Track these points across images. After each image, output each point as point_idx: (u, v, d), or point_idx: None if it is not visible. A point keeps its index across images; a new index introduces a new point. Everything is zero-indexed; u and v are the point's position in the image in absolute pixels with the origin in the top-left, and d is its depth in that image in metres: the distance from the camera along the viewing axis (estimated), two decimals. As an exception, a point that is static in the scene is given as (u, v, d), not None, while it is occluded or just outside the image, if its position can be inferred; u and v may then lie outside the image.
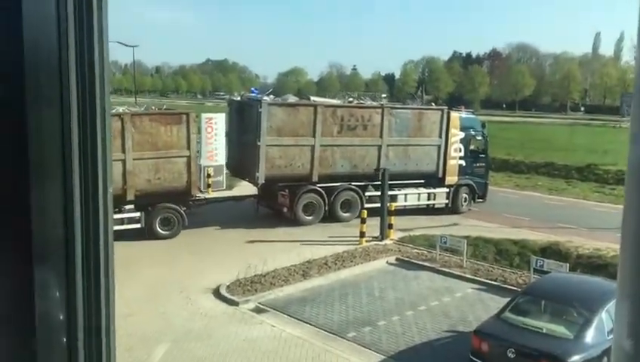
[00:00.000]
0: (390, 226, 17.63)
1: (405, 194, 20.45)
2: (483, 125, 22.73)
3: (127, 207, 16.66)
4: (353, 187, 19.59)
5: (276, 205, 19.14)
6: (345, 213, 19.36)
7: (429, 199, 21.05)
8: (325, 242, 16.94)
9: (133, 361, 9.50)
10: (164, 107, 21.17)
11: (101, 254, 1.01)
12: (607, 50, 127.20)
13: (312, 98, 22.29)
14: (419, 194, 20.83)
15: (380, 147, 19.82)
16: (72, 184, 0.94)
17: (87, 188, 0.98)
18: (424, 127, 20.75)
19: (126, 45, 45.57)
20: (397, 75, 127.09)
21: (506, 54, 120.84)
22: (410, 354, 10.26)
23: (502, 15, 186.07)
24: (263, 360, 9.89)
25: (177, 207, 17.38)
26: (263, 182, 18.50)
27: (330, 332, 11.07)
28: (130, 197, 16.56)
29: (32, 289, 0.88)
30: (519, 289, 11.74)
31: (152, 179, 16.88)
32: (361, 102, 22.51)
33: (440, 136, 20.97)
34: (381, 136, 19.82)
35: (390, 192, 18.83)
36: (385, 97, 51.95)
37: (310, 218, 19.09)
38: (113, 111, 17.37)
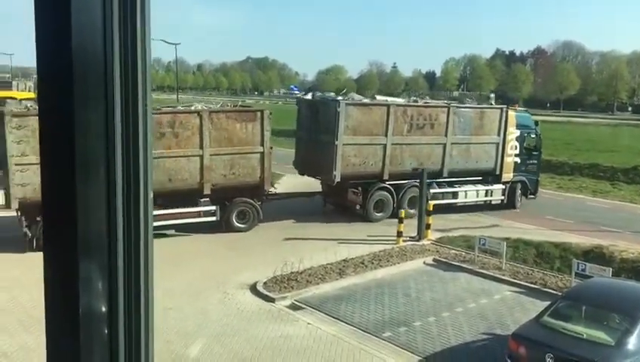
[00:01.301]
0: (428, 226, 17.49)
1: (466, 191, 21.11)
2: (536, 123, 23.45)
3: (203, 200, 17.28)
4: (419, 184, 19.63)
5: (345, 202, 19.52)
6: (411, 209, 19.45)
7: (486, 195, 21.64)
8: (362, 241, 16.92)
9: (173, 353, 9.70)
10: (239, 104, 21.82)
11: (141, 249, 1.05)
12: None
13: (378, 97, 22.84)
14: (477, 190, 21.44)
15: (444, 145, 20.47)
16: (114, 181, 0.98)
17: (129, 185, 1.01)
18: (485, 126, 21.41)
19: (169, 43, 46.34)
20: (438, 73, 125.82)
21: (551, 52, 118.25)
22: (445, 356, 10.17)
23: (548, 12, 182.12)
24: (298, 357, 9.95)
25: (253, 201, 17.98)
26: (339, 180, 18.89)
27: (366, 332, 11.06)
28: (206, 191, 17.17)
29: (76, 281, 0.92)
30: (559, 293, 11.49)
31: (227, 174, 17.44)
32: (427, 101, 23.45)
33: (498, 134, 21.59)
34: (446, 135, 20.44)
35: (451, 189, 20.48)
36: (427, 96, 51.65)
37: (380, 214, 19.66)
38: (192, 107, 18.33)
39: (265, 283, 13.24)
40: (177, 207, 16.76)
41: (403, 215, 17.11)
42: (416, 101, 22.37)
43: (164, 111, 17.61)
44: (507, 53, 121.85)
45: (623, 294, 10.06)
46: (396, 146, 19.63)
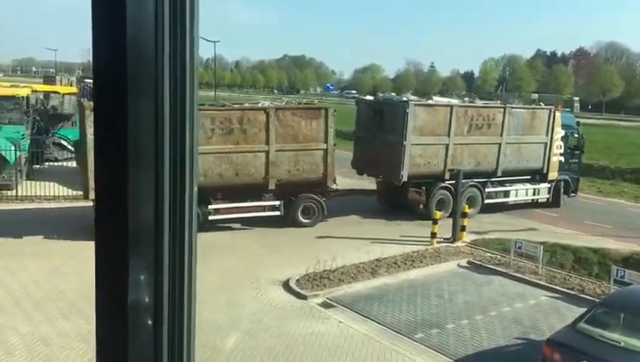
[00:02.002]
0: (463, 228, 17.31)
1: (517, 190, 21.65)
2: (578, 123, 24.23)
3: (268, 195, 17.78)
4: (476, 184, 20.50)
5: (405, 201, 19.70)
6: (468, 208, 19.64)
7: (534, 194, 22.20)
8: (395, 241, 16.84)
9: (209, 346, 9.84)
10: (304, 102, 22.33)
11: (185, 242, 1.08)
12: None
13: (435, 98, 23.22)
14: (526, 189, 21.99)
15: (499, 145, 20.87)
16: (162, 173, 1.01)
17: (176, 177, 1.04)
18: (535, 126, 21.94)
19: (208, 40, 46.91)
20: (476, 73, 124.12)
21: (593, 53, 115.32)
22: (478, 360, 10.06)
23: (591, 12, 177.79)
24: (329, 354, 9.98)
25: (318, 197, 18.37)
26: (406, 180, 19.20)
27: (397, 332, 11.03)
28: (271, 186, 17.61)
29: (126, 271, 0.96)
30: (597, 300, 11.24)
31: (291, 170, 17.84)
32: (487, 103, 24.18)
33: (547, 134, 22.14)
34: (501, 135, 20.85)
35: (504, 188, 21.22)
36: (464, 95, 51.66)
37: (441, 213, 19.43)
38: (259, 105, 18.88)
39: (297, 280, 13.32)
40: (243, 201, 17.32)
41: (438, 216, 16.97)
42: (472, 102, 22.99)
43: (233, 107, 18.20)
44: (548, 53, 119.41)
45: (664, 303, 9.76)
46: (457, 146, 20.04)
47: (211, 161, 16.67)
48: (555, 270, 14.81)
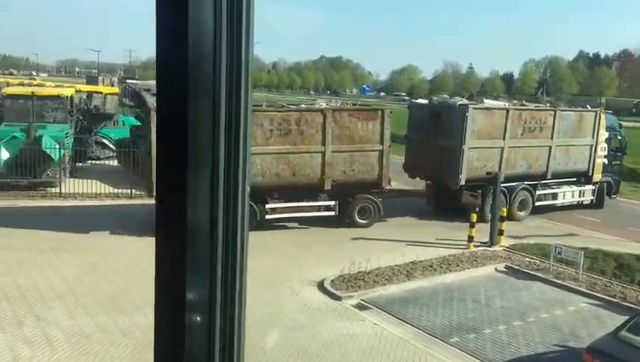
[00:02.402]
0: (501, 232, 17.05)
1: (564, 192, 21.95)
2: (620, 125, 24.71)
3: (323, 195, 18.07)
4: (528, 186, 20.67)
5: (459, 204, 19.56)
6: (520, 211, 20.38)
7: (579, 196, 22.45)
8: (431, 244, 16.70)
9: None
10: (359, 103, 22.60)
11: (238, 240, 1.10)
12: None
13: (486, 101, 23.40)
14: (573, 191, 22.26)
15: (550, 148, 20.98)
16: (217, 174, 1.04)
17: (229, 178, 1.07)
18: (582, 128, 22.07)
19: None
20: (516, 75, 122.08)
21: (638, 55, 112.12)
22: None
23: (636, 13, 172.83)
24: (363, 356, 9.97)
25: (374, 198, 18.55)
26: (463, 183, 19.28)
27: (433, 336, 10.93)
28: (327, 186, 17.84)
29: (184, 268, 0.99)
30: (640, 308, 10.94)
31: (347, 171, 18.02)
32: (537, 105, 24.45)
33: (592, 137, 22.30)
34: (552, 138, 20.98)
35: (551, 190, 21.48)
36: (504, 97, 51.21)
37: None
38: (316, 106, 19.37)
39: (332, 281, 13.34)
40: (298, 201, 17.65)
41: (474, 219, 16.76)
42: (522, 104, 23.11)
43: (291, 109, 18.56)
44: (591, 55, 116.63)
45: None
46: (511, 149, 20.09)
47: (269, 161, 17.02)
48: (596, 276, 14.46)
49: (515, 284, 14.05)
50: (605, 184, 23.05)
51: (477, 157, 19.41)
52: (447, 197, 19.77)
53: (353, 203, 18.30)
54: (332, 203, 18.07)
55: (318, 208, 17.99)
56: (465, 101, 21.81)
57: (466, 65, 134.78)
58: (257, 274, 13.31)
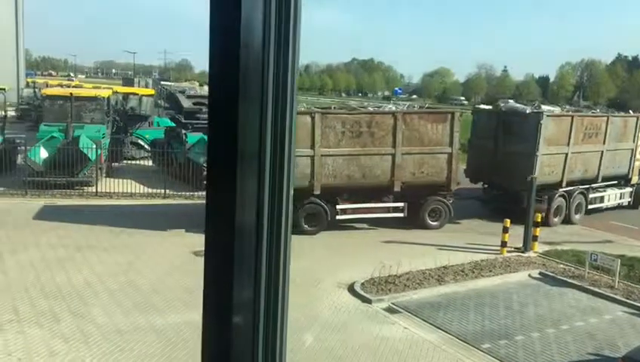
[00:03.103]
0: (535, 238, 16.77)
1: (609, 195, 22.62)
2: None
3: (392, 197, 18.35)
4: (583, 190, 21.30)
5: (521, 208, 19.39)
6: (576, 214, 20.99)
7: (620, 198, 23.24)
8: (463, 248, 16.53)
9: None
10: (426, 105, 23.27)
11: (282, 242, 1.12)
12: None
13: (543, 107, 23.48)
14: (616, 194, 22.98)
15: (602, 152, 21.60)
16: (264, 176, 1.06)
17: (274, 180, 1.09)
18: (626, 133, 22.85)
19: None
20: (552, 78, 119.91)
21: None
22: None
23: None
24: (393, 360, 9.93)
25: (445, 200, 18.81)
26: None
27: (464, 341, 10.82)
28: (396, 188, 18.07)
29: (232, 266, 1.02)
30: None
31: (416, 173, 18.24)
32: (594, 111, 25.08)
33: (633, 141, 23.13)
34: (604, 143, 21.63)
35: (600, 194, 22.12)
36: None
37: (556, 219, 20.41)
38: (386, 108, 20.11)
39: (362, 284, 13.31)
40: (369, 202, 17.94)
41: (508, 224, 16.52)
42: (579, 110, 23.90)
43: (362, 111, 18.98)
44: (630, 58, 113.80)
45: None
46: (573, 155, 20.56)
47: (341, 162, 17.36)
48: (633, 284, 14.10)
49: (550, 291, 13.81)
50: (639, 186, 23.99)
51: (547, 163, 19.79)
52: (510, 202, 19.64)
53: (425, 205, 18.54)
54: (401, 204, 18.24)
55: (387, 209, 18.23)
56: (519, 105, 22.66)
57: (500, 67, 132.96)
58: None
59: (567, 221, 20.50)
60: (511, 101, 25.69)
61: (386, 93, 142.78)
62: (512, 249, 16.47)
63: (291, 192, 1.15)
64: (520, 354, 10.42)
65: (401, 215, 18.27)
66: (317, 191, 17.18)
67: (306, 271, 13.53)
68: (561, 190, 20.35)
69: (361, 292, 12.86)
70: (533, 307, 12.73)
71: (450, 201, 18.85)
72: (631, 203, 23.48)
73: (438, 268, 14.52)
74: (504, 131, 20.28)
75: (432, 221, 18.73)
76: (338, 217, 17.62)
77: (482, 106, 24.43)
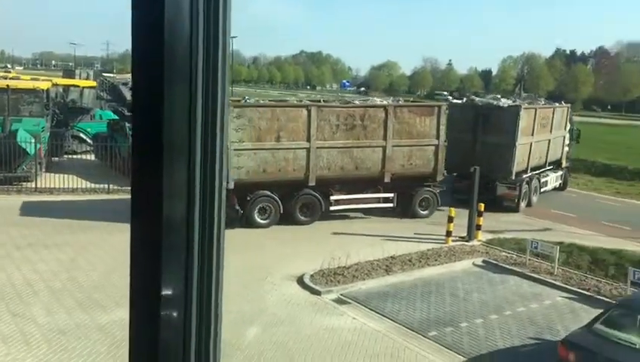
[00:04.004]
0: (478, 227, 17.24)
1: (550, 179, 24.38)
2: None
3: (382, 188, 18.86)
4: (537, 176, 23.01)
5: (493, 196, 20.70)
6: (533, 197, 22.54)
7: (556, 181, 25.21)
8: (410, 239, 16.81)
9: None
10: (412, 100, 24.38)
11: (214, 233, 1.10)
12: None
13: (503, 100, 25.79)
14: (554, 177, 24.96)
15: (549, 141, 23.37)
16: (194, 166, 1.04)
17: (206, 170, 1.07)
18: (561, 122, 24.77)
19: (225, 36, 47.15)
20: (494, 72, 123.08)
21: (614, 53, 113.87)
22: (492, 359, 10.03)
23: (611, 11, 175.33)
24: (342, 351, 10.02)
25: (433, 190, 19.57)
26: (514, 178, 20.97)
27: (411, 329, 11.02)
28: (386, 179, 18.67)
29: (159, 262, 0.99)
30: (614, 301, 11.15)
31: (405, 164, 18.93)
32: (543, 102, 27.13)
33: (565, 128, 25.34)
34: (550, 132, 23.40)
35: (545, 178, 23.78)
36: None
37: (522, 204, 21.73)
38: (377, 102, 20.37)
39: (312, 276, 13.36)
40: (360, 193, 18.45)
41: (453, 213, 16.91)
42: (531, 102, 25.09)
43: (356, 105, 19.35)
44: (568, 52, 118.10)
45: (682, 306, 9.68)
46: (535, 144, 22.01)
47: (335, 154, 17.86)
48: (571, 271, 14.70)
49: (493, 278, 14.22)
50: (567, 169, 26.41)
51: (522, 152, 21.10)
52: (481, 190, 20.02)
53: (416, 195, 19.20)
54: (391, 195, 18.81)
55: (378, 200, 18.75)
56: (506, 101, 24.70)
57: (445, 61, 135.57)
58: (237, 270, 13.30)
59: (529, 204, 22.10)
60: (477, 97, 27.99)
61: (334, 85, 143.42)
62: (457, 238, 16.86)
63: (224, 184, 1.13)
64: (465, 340, 10.70)
65: (391, 205, 18.90)
66: (312, 183, 17.64)
67: (259, 264, 13.46)
68: (525, 176, 21.71)
69: (311, 284, 12.92)
70: (477, 294, 13.10)
71: (438, 191, 19.63)
72: (562, 185, 25.89)
73: (386, 258, 14.73)
74: (483, 124, 21.33)
75: (422, 210, 19.45)
76: (332, 208, 18.10)
77: (455, 101, 26.10)
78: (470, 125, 21.54)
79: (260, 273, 13.49)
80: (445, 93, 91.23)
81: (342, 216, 18.53)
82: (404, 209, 19.14)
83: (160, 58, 0.94)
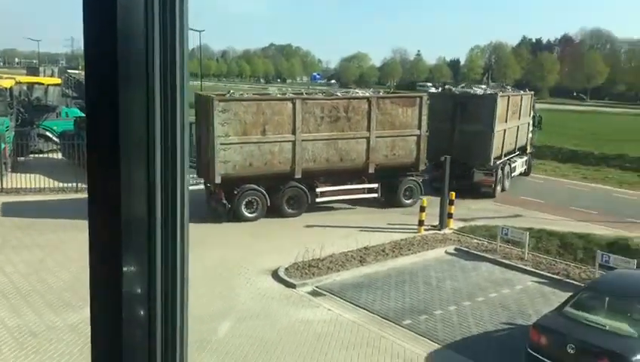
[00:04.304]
0: (450, 216, 17.43)
1: (518, 164, 25.09)
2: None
3: (367, 178, 19.17)
4: (509, 161, 23.68)
5: (469, 183, 21.49)
6: (506, 181, 23.23)
7: (522, 166, 25.94)
8: (383, 229, 16.92)
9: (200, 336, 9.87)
10: (391, 91, 24.80)
11: (178, 233, 1.09)
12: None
13: (475, 88, 26.23)
14: (522, 162, 25.72)
15: (518, 126, 24.22)
16: (154, 165, 1.02)
17: (167, 169, 1.05)
18: (526, 109, 25.60)
19: (193, 30, 46.53)
20: (462, 61, 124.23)
21: (578, 40, 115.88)
22: (466, 345, 10.18)
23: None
24: (318, 342, 10.05)
25: (417, 179, 20.01)
26: (492, 164, 21.65)
27: (386, 319, 11.11)
28: (370, 170, 19.01)
29: (119, 263, 0.97)
30: (583, 285, 11.40)
31: (388, 155, 19.25)
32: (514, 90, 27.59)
33: (529, 115, 26.31)
34: (519, 118, 24.25)
35: (515, 163, 24.39)
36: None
37: (498, 188, 22.40)
38: (360, 94, 20.35)
39: (286, 269, 13.36)
40: (346, 184, 18.75)
41: (425, 203, 17.07)
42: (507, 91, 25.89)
43: (340, 97, 19.50)
44: (534, 40, 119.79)
45: (647, 286, 9.94)
46: (508, 130, 22.85)
47: (320, 146, 18.08)
48: (541, 255, 14.98)
49: (465, 266, 14.41)
50: (530, 155, 27.18)
51: (498, 139, 21.83)
52: (459, 177, 20.88)
53: (400, 185, 19.52)
54: (375, 185, 19.08)
55: (363, 191, 19.02)
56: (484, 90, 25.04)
57: (414, 52, 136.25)
58: (211, 264, 13.19)
59: (503, 189, 22.79)
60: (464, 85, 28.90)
61: (305, 78, 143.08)
62: (430, 227, 17.03)
63: (187, 181, 1.11)
64: (439, 327, 10.83)
65: (375, 195, 19.17)
66: (298, 176, 17.83)
67: (234, 259, 13.39)
68: (499, 162, 22.35)
69: (285, 278, 12.91)
70: (450, 281, 13.26)
71: (421, 180, 20.02)
72: (526, 170, 26.65)
73: (360, 249, 14.80)
74: (462, 112, 21.77)
75: (406, 199, 19.79)
76: (318, 200, 18.31)
77: (433, 90, 27.10)
78: (449, 114, 21.89)
79: (235, 268, 13.44)
80: (429, 84, 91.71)
81: (317, 208, 18.54)
82: (389, 198, 19.40)
83: (114, 55, 0.91)
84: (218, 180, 16.74)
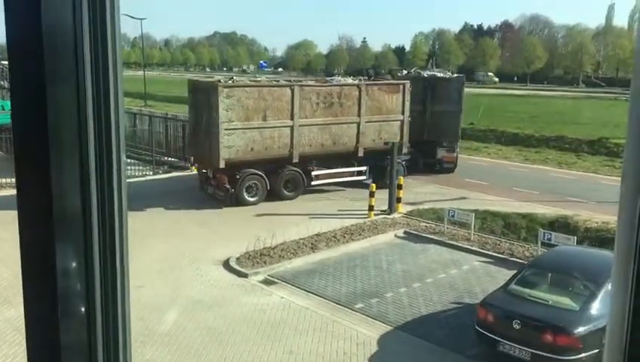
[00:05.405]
0: (399, 200, 17.71)
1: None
2: None
3: (356, 161, 20.23)
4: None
5: (433, 159, 23.40)
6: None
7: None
8: (334, 215, 17.04)
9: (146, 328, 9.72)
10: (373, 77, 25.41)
11: (116, 226, 1.06)
12: (621, 21, 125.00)
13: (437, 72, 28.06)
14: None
15: (456, 113, 24.22)
16: (88, 160, 0.99)
17: (102, 161, 1.03)
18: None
19: (134, 18, 45.29)
20: (407, 48, 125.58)
21: (518, 26, 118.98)
22: (416, 325, 10.41)
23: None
24: (271, 329, 10.07)
25: (401, 161, 20.65)
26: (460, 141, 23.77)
27: (338, 304, 11.23)
28: (360, 153, 20.15)
29: (53, 260, 0.94)
30: (526, 262, 11.82)
31: (375, 139, 20.36)
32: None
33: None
34: (458, 104, 24.67)
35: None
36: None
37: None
38: (354, 81, 21.26)
39: (238, 258, 13.29)
40: (337, 168, 19.69)
41: (374, 188, 17.28)
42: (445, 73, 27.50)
43: (334, 84, 20.43)
44: (475, 27, 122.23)
45: (587, 261, 10.40)
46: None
47: (315, 131, 19.01)
48: (486, 236, 15.42)
49: (414, 248, 14.69)
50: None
51: (462, 119, 23.97)
52: (426, 155, 23.11)
53: (388, 167, 19.57)
54: (364, 168, 20.20)
55: (353, 173, 20.06)
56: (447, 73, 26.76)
57: (359, 39, 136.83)
58: (160, 257, 12.96)
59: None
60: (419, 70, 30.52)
61: (252, 67, 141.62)
62: (379, 212, 17.25)
63: (124, 179, 1.09)
64: (390, 309, 11.04)
65: (364, 178, 20.08)
66: (295, 160, 18.68)
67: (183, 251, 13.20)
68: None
69: (237, 267, 12.85)
70: (400, 264, 13.50)
71: (403, 162, 20.95)
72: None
73: (311, 236, 14.87)
74: (432, 95, 23.45)
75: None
76: (313, 183, 19.16)
77: (404, 72, 28.32)
78: (420, 97, 22.83)
79: (184, 259, 13.29)
80: (405, 70, 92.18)
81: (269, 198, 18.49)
82: (378, 180, 19.62)
83: (40, 52, 0.88)
84: (222, 165, 17.22)
